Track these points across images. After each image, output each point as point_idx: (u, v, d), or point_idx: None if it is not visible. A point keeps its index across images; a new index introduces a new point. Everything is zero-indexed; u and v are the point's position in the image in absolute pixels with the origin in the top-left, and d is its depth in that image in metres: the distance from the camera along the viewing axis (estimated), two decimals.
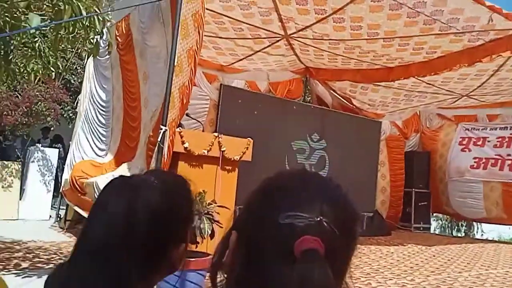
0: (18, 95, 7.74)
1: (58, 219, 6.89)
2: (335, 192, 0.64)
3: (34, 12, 2.53)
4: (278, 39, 6.30)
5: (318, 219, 0.56)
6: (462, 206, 9.53)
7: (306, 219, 0.56)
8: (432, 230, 10.68)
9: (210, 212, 3.38)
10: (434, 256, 6.51)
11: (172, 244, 0.87)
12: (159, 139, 3.78)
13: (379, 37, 5.83)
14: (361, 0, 4.92)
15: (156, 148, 3.92)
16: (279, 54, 6.99)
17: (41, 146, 7.68)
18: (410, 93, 7.99)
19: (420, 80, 7.07)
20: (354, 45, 6.22)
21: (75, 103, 7.44)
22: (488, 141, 9.06)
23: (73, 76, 9.32)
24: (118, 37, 5.61)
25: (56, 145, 8.73)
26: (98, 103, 6.37)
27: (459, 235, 12.23)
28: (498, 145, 8.90)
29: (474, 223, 13.12)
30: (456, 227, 13.61)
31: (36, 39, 2.90)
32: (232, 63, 7.28)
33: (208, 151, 4.50)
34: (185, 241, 0.88)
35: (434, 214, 11.34)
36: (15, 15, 2.51)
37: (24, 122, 7.71)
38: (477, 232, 13.41)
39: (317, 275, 0.52)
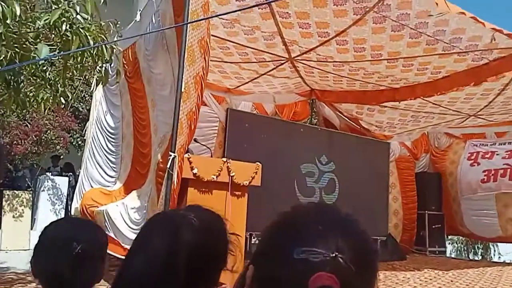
0: (27, 124, 7.88)
1: None
2: (351, 227, 0.64)
3: (43, 42, 2.61)
4: (282, 62, 6.38)
5: (334, 255, 0.55)
6: (477, 225, 9.31)
7: (321, 255, 0.55)
8: (448, 254, 10.43)
9: None
10: (452, 281, 6.32)
11: (207, 285, 0.87)
12: (168, 166, 3.79)
13: (382, 58, 5.88)
14: (363, 22, 4.99)
15: (166, 175, 3.93)
16: (284, 77, 7.07)
17: (51, 175, 7.76)
18: (417, 113, 7.97)
19: (426, 100, 7.07)
20: (358, 66, 6.28)
21: (84, 131, 7.55)
22: (497, 154, 8.93)
23: (81, 104, 9.47)
24: (125, 65, 5.73)
25: (66, 174, 8.82)
26: (107, 130, 6.44)
27: (476, 258, 11.94)
28: (506, 157, 8.76)
29: (491, 246, 12.83)
30: (472, 250, 13.31)
31: (45, 68, 2.98)
32: (238, 86, 7.38)
33: (217, 177, 4.49)
34: (217, 283, 0.88)
35: (449, 237, 11.11)
36: (24, 45, 2.59)
37: (34, 151, 7.82)
38: (494, 255, 13.08)
39: None
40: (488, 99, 6.98)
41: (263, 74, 6.87)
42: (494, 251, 13.17)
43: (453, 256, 11.46)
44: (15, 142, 7.56)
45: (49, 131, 7.94)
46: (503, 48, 5.35)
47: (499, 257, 12.80)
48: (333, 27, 5.17)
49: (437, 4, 4.50)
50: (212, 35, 4.53)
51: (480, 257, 12.25)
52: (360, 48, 5.64)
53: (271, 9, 4.90)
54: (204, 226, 0.89)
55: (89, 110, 7.65)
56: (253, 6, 4.22)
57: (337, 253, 0.55)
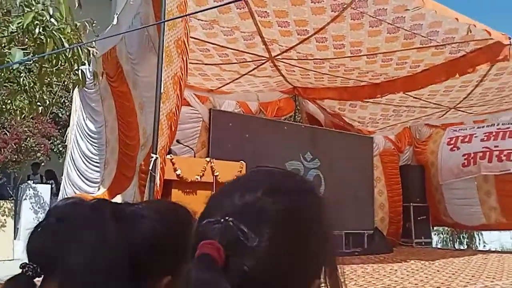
0: (6, 132, 7.71)
1: None
2: (259, 182, 0.56)
3: (17, 47, 2.56)
4: (263, 61, 6.39)
5: (223, 219, 0.51)
6: (460, 214, 9.48)
7: (211, 223, 0.52)
8: (434, 245, 10.58)
9: None
10: (438, 271, 6.42)
11: (155, 276, 0.83)
12: (150, 168, 3.76)
13: (362, 54, 5.94)
14: (341, 19, 5.03)
15: (148, 177, 3.90)
16: (266, 76, 7.09)
17: (33, 183, 7.62)
18: (399, 108, 8.07)
19: (407, 94, 7.17)
20: (338, 63, 6.32)
21: (65, 137, 7.43)
22: (475, 137, 9.03)
23: (61, 110, 9.30)
24: (106, 69, 5.66)
25: (48, 181, 8.67)
26: (88, 135, 6.36)
27: (462, 247, 12.10)
28: (485, 139, 8.87)
29: (476, 235, 13.04)
30: (458, 240, 13.50)
31: (21, 74, 2.93)
32: (220, 87, 7.36)
33: (201, 177, 4.49)
34: (173, 273, 0.82)
35: (435, 228, 11.26)
36: None
37: (14, 159, 7.66)
38: (479, 244, 13.30)
39: (204, 281, 0.47)
40: (466, 91, 7.11)
41: (244, 75, 6.88)
42: (479, 240, 13.39)
43: (439, 246, 11.60)
44: None
45: (29, 138, 7.79)
46: (479, 40, 5.45)
47: (484, 246, 13.02)
48: (311, 25, 5.20)
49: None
50: (191, 37, 4.51)
51: (465, 246, 12.42)
52: (340, 44, 5.68)
53: (250, 9, 4.90)
54: (157, 217, 0.86)
55: (69, 116, 7.53)
56: (230, 3, 4.21)
57: (227, 217, 0.51)
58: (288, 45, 5.79)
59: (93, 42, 3.56)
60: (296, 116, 9.27)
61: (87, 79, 3.34)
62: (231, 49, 5.88)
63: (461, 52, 5.81)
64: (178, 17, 3.61)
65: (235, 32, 5.44)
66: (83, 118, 6.44)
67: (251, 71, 6.74)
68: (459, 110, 8.25)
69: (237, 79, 7.02)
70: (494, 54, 5.48)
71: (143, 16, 4.56)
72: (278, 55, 6.16)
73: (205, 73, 6.74)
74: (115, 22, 5.15)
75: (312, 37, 5.50)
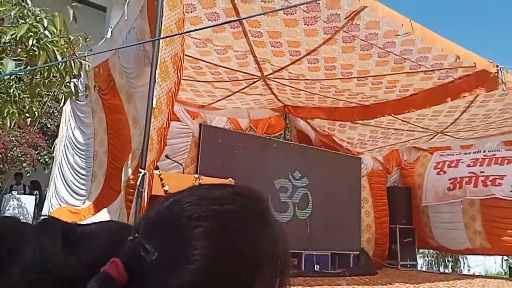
0: None
1: None
2: (174, 197, 0.54)
3: (9, 57, 2.55)
4: (255, 80, 6.45)
5: (131, 237, 0.50)
6: (445, 238, 9.54)
7: (127, 242, 0.51)
8: (419, 267, 10.60)
9: None
10: None
11: None
12: (138, 183, 3.72)
13: (353, 77, 6.04)
14: (334, 41, 5.12)
15: (136, 192, 3.86)
16: (257, 94, 7.14)
17: (17, 193, 7.48)
18: (387, 130, 8.17)
19: (395, 117, 7.27)
20: (329, 84, 6.41)
21: (52, 148, 7.34)
22: (462, 162, 9.19)
23: (50, 120, 9.21)
24: (97, 82, 5.64)
25: (33, 192, 8.52)
26: (77, 147, 6.29)
27: (446, 271, 12.16)
28: (471, 165, 9.02)
29: (461, 258, 13.12)
30: (442, 263, 13.57)
31: (11, 84, 2.91)
32: (211, 103, 7.39)
33: None
34: None
35: (420, 251, 11.31)
36: None
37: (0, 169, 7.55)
38: (463, 268, 13.38)
39: None
40: (454, 117, 7.24)
41: (236, 92, 6.92)
42: (464, 263, 13.47)
43: (424, 269, 11.64)
44: None
45: (15, 148, 7.68)
46: (467, 67, 5.58)
47: (469, 270, 13.10)
48: (304, 46, 5.28)
49: (402, 25, 4.67)
50: (185, 55, 4.54)
51: (450, 270, 12.49)
52: (331, 66, 5.78)
53: (243, 28, 4.96)
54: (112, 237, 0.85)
55: (57, 127, 7.45)
56: (226, 23, 4.26)
57: (137, 234, 0.50)
58: (280, 65, 5.86)
59: (87, 56, 3.56)
60: (286, 134, 9.31)
61: (79, 92, 3.32)
62: (224, 67, 5.93)
63: (449, 78, 5.93)
64: (175, 35, 3.63)
65: (228, 51, 5.49)
66: (72, 130, 6.39)
67: (242, 89, 6.79)
68: (446, 135, 8.38)
69: (228, 96, 7.06)
70: (482, 81, 5.60)
71: (138, 30, 4.58)
72: (270, 74, 6.23)
73: (197, 89, 6.76)
74: (109, 35, 5.15)
75: (304, 58, 5.58)
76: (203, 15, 4.70)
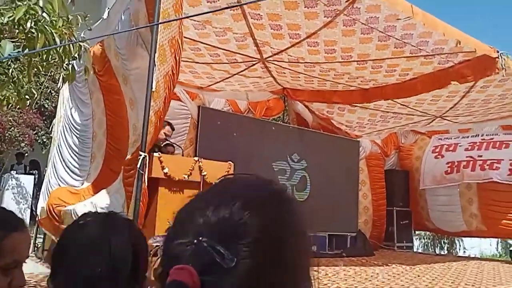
0: None
1: (36, 249, 6.69)
2: (233, 194, 0.51)
3: (7, 39, 2.53)
4: (254, 62, 6.41)
5: (196, 240, 0.47)
6: (442, 220, 9.64)
7: (183, 245, 0.48)
8: (415, 249, 10.74)
9: None
10: (418, 276, 6.52)
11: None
12: (138, 166, 3.75)
13: (352, 60, 6.00)
14: (334, 25, 5.07)
15: (136, 175, 3.89)
16: (256, 76, 7.11)
17: (16, 173, 7.52)
18: (386, 114, 8.17)
19: (394, 101, 7.26)
20: (329, 67, 6.38)
21: (50, 128, 7.33)
22: (460, 146, 9.22)
23: (47, 101, 9.16)
24: (94, 63, 5.60)
25: (31, 172, 8.55)
26: (75, 128, 6.29)
27: (442, 253, 12.32)
28: (469, 148, 9.06)
29: (456, 240, 13.28)
30: (438, 245, 13.74)
31: (9, 64, 2.89)
32: (210, 85, 7.36)
33: (188, 176, 4.48)
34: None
35: (417, 233, 11.44)
36: None
37: None
38: (459, 249, 13.55)
39: None
40: (453, 101, 7.22)
41: (234, 74, 6.89)
42: (459, 245, 13.64)
43: (420, 251, 11.80)
44: None
45: (13, 128, 7.66)
46: (467, 52, 5.54)
47: (464, 252, 13.27)
48: (304, 29, 5.23)
49: (402, 10, 4.62)
50: (184, 37, 4.51)
51: (446, 252, 12.65)
52: (331, 49, 5.73)
53: (243, 11, 4.91)
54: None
55: (55, 107, 7.42)
56: (225, 8, 4.21)
57: (200, 238, 0.47)
58: (280, 48, 5.82)
59: (85, 37, 3.54)
60: (285, 117, 9.31)
61: (76, 74, 3.31)
62: (223, 49, 5.89)
63: (449, 63, 5.90)
64: (173, 20, 3.60)
65: (227, 33, 5.45)
66: (71, 111, 6.37)
67: (241, 71, 6.75)
68: (445, 119, 8.38)
69: (227, 78, 7.03)
70: (482, 66, 5.57)
71: (133, 11, 4.52)
72: (269, 57, 6.19)
73: (195, 71, 6.73)
74: (105, 16, 5.10)
75: (304, 41, 5.54)
76: None
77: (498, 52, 5.42)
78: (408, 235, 9.93)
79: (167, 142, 5.44)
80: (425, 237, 13.96)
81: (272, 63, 6.46)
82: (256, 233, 0.48)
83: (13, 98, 3.15)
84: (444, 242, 13.64)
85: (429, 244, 14.02)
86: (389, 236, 9.64)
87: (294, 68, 6.64)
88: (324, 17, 4.92)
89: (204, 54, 6.09)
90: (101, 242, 0.93)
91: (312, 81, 7.17)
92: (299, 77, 7.09)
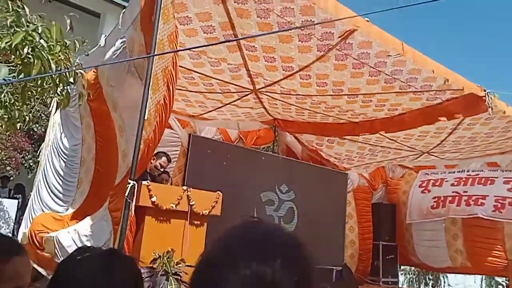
0: None
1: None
2: (278, 251, 0.57)
3: (2, 63, 2.51)
4: (247, 93, 6.47)
5: (246, 269, 0.52)
6: (427, 256, 9.61)
7: (240, 273, 0.52)
8: (400, 284, 10.65)
9: (178, 273, 3.28)
10: None
11: None
12: (126, 194, 3.68)
13: (343, 94, 6.10)
14: (326, 59, 5.17)
15: (124, 204, 3.82)
16: (248, 107, 7.16)
17: (0, 197, 7.33)
18: (375, 147, 8.25)
19: (383, 135, 7.35)
20: (320, 100, 6.46)
21: (38, 152, 7.22)
22: (446, 181, 9.31)
23: (37, 125, 9.06)
24: (87, 88, 5.58)
25: (16, 196, 8.34)
26: (64, 153, 6.20)
27: None
28: (455, 184, 9.12)
29: (441, 277, 13.23)
30: (423, 281, 13.66)
31: (2, 89, 2.85)
32: (201, 114, 7.38)
33: (176, 205, 4.42)
34: None
35: (402, 268, 11.38)
36: None
37: None
38: (444, 286, 13.48)
39: None
40: (440, 138, 7.33)
41: (227, 104, 6.93)
42: (444, 282, 13.58)
43: (405, 287, 11.70)
44: None
45: (0, 151, 7.54)
46: (455, 90, 5.68)
47: None
48: (297, 62, 5.32)
49: (393, 48, 4.75)
50: (179, 66, 4.54)
51: None
52: (323, 83, 5.83)
53: (238, 42, 4.99)
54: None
55: (44, 131, 7.32)
56: (222, 42, 4.28)
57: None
58: (273, 79, 5.90)
59: (81, 63, 3.53)
60: (275, 147, 9.33)
61: (70, 99, 3.28)
62: (217, 79, 5.94)
63: (437, 100, 6.03)
64: (169, 52, 3.64)
65: (221, 64, 5.51)
66: (61, 135, 6.30)
67: (234, 101, 6.80)
68: (432, 155, 8.49)
69: (219, 107, 7.06)
70: (470, 104, 5.70)
71: (128, 40, 4.55)
72: (262, 88, 6.26)
73: (188, 99, 6.75)
74: (102, 43, 5.12)
75: (296, 74, 5.63)
76: (198, 28, 4.71)
77: (485, 91, 5.56)
78: (394, 270, 9.85)
79: (164, 170, 5.45)
80: (410, 273, 13.89)
81: (265, 94, 6.53)
82: (290, 284, 0.54)
83: (3, 124, 3.09)
84: (429, 278, 13.58)
85: (414, 280, 13.93)
86: (374, 271, 9.54)
87: (285, 100, 6.71)
88: (317, 51, 5.02)
89: (198, 83, 6.13)
90: (102, 280, 0.90)
91: (303, 113, 7.24)
92: (290, 109, 7.16)
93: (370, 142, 8.02)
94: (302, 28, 4.58)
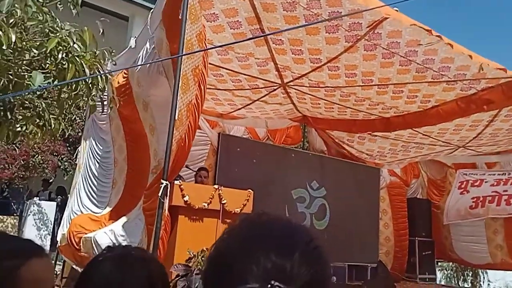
0: (15, 148, 7.76)
1: (55, 276, 6.67)
2: (296, 245, 0.57)
3: (38, 70, 2.57)
4: (275, 87, 6.42)
5: (269, 285, 0.50)
6: (466, 251, 9.36)
7: None
8: (438, 281, 10.36)
9: None
10: None
11: None
12: (160, 194, 3.73)
13: (373, 84, 5.93)
14: (355, 49, 5.06)
15: (157, 203, 3.88)
16: (277, 103, 7.11)
17: (39, 199, 7.61)
18: (407, 144, 8.03)
19: (416, 131, 7.13)
20: (349, 91, 6.31)
21: (75, 155, 7.44)
22: (486, 182, 9.05)
23: (71, 128, 9.34)
24: (115, 89, 5.69)
25: (56, 198, 8.62)
26: (98, 155, 6.37)
27: (466, 285, 11.86)
28: (495, 184, 8.88)
29: (480, 272, 12.77)
30: (462, 277, 13.22)
31: (37, 100, 2.91)
32: (231, 112, 7.39)
33: (208, 204, 4.45)
34: None
35: (439, 264, 11.06)
36: (18, 73, 2.55)
37: (22, 175, 7.67)
38: (483, 282, 13.01)
39: None
40: (476, 131, 7.03)
41: (256, 100, 6.90)
42: (483, 278, 13.11)
43: (443, 283, 11.36)
44: (1, 166, 7.42)
45: (37, 155, 7.81)
46: (490, 78, 5.45)
47: (488, 284, 12.74)
48: (325, 54, 5.24)
49: (426, 34, 4.57)
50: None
51: (469, 284, 12.17)
52: (352, 73, 5.70)
53: (265, 36, 4.96)
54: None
55: (79, 134, 7.54)
56: (249, 39, 4.27)
57: (273, 281, 0.50)
58: (301, 72, 5.82)
59: (111, 68, 3.60)
60: (304, 144, 9.26)
61: (104, 105, 3.35)
62: (244, 74, 5.93)
63: (472, 90, 5.80)
64: (197, 51, 3.65)
65: (249, 58, 5.50)
66: (94, 139, 6.48)
67: (262, 97, 6.77)
68: (468, 149, 8.19)
69: (248, 104, 7.05)
70: (507, 93, 5.45)
71: (156, 40, 4.62)
72: (290, 81, 6.19)
73: (217, 98, 6.79)
74: (133, 45, 5.21)
75: (324, 66, 5.53)
76: (225, 24, 4.73)
77: None
78: (431, 266, 9.58)
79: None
80: (447, 269, 13.48)
81: (293, 88, 6.45)
82: (307, 277, 0.54)
83: (39, 133, 3.14)
84: (467, 274, 13.13)
85: (452, 276, 13.51)
86: (411, 268, 9.30)
87: (314, 93, 6.60)
88: (345, 42, 4.93)
89: (226, 80, 6.15)
90: (113, 282, 0.93)
91: (332, 108, 7.12)
92: (319, 104, 7.04)
93: (403, 138, 7.80)
94: (330, 21, 4.51)
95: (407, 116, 6.77)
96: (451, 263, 11.89)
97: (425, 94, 6.10)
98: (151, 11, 4.78)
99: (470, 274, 12.86)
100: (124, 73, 5.53)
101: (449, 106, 6.16)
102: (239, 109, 7.24)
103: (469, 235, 9.25)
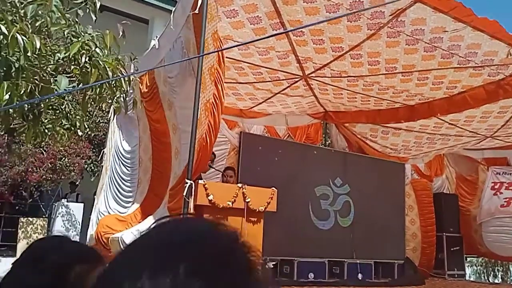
0: (43, 151, 7.94)
1: None
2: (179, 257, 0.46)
3: (62, 74, 2.61)
4: (297, 79, 6.35)
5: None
6: (496, 243, 9.14)
7: None
8: (467, 277, 10.11)
9: None
10: None
11: None
12: (184, 193, 3.75)
13: (397, 72, 5.78)
14: (377, 36, 4.95)
15: (182, 203, 3.90)
16: (298, 95, 7.02)
17: (67, 201, 7.78)
18: (433, 135, 7.83)
19: (442, 120, 6.94)
20: (372, 80, 6.18)
21: (100, 157, 7.57)
22: None
23: (95, 129, 9.52)
24: (142, 90, 5.76)
25: (83, 200, 8.82)
26: (124, 156, 6.46)
27: (496, 281, 11.56)
28: None
29: (511, 268, 12.40)
30: (492, 273, 12.87)
31: (63, 100, 2.98)
32: (252, 107, 7.36)
33: (232, 203, 4.45)
34: None
35: (468, 260, 10.80)
36: (43, 78, 2.60)
37: (49, 178, 7.85)
38: None
39: None
40: (505, 118, 6.81)
41: (277, 93, 6.85)
42: None
43: (472, 279, 11.09)
44: (30, 169, 7.61)
45: (64, 158, 7.99)
46: None
47: None
48: (347, 42, 5.14)
49: (453, 21, 4.43)
50: (227, 57, 4.55)
51: (500, 280, 11.85)
52: (375, 61, 5.58)
53: (285, 28, 4.92)
54: None
55: (104, 136, 7.66)
56: (270, 36, 4.24)
57: None
58: (322, 63, 5.73)
59: (136, 69, 3.63)
60: (326, 141, 9.16)
61: (129, 106, 3.38)
62: (265, 67, 5.89)
63: (500, 75, 5.61)
64: (216, 51, 3.64)
65: (270, 52, 5.47)
66: (120, 140, 6.56)
67: (284, 89, 6.71)
68: (497, 139, 7.94)
69: (269, 98, 7.00)
70: None
71: (184, 40, 4.65)
72: (311, 73, 6.10)
73: (238, 93, 6.78)
74: (156, 45, 5.25)
75: (347, 54, 5.42)
76: (245, 20, 4.71)
77: None
78: (460, 262, 9.35)
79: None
80: (477, 265, 13.14)
81: (314, 79, 6.36)
82: None
83: (66, 134, 3.22)
84: (498, 269, 12.78)
85: (482, 272, 13.17)
86: (439, 264, 9.08)
87: (336, 84, 6.47)
88: (368, 29, 4.83)
89: (247, 73, 6.13)
90: None
91: (355, 98, 6.96)
92: (341, 94, 6.90)
93: (428, 130, 7.60)
94: (350, 9, 4.42)
95: (433, 103, 6.57)
96: (480, 259, 11.61)
97: (451, 80, 5.91)
98: (173, 10, 4.80)
99: (501, 270, 12.51)
100: (150, 73, 5.58)
101: (476, 92, 5.97)
102: (260, 103, 7.19)
103: (500, 226, 9.03)
